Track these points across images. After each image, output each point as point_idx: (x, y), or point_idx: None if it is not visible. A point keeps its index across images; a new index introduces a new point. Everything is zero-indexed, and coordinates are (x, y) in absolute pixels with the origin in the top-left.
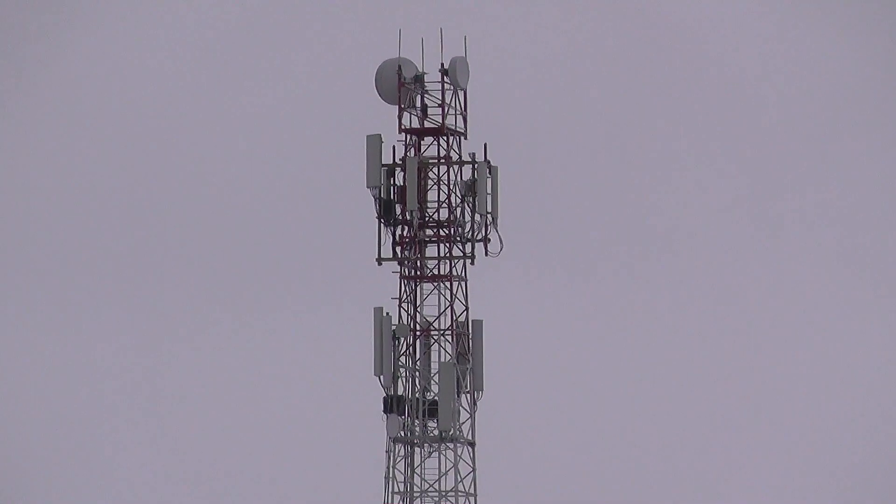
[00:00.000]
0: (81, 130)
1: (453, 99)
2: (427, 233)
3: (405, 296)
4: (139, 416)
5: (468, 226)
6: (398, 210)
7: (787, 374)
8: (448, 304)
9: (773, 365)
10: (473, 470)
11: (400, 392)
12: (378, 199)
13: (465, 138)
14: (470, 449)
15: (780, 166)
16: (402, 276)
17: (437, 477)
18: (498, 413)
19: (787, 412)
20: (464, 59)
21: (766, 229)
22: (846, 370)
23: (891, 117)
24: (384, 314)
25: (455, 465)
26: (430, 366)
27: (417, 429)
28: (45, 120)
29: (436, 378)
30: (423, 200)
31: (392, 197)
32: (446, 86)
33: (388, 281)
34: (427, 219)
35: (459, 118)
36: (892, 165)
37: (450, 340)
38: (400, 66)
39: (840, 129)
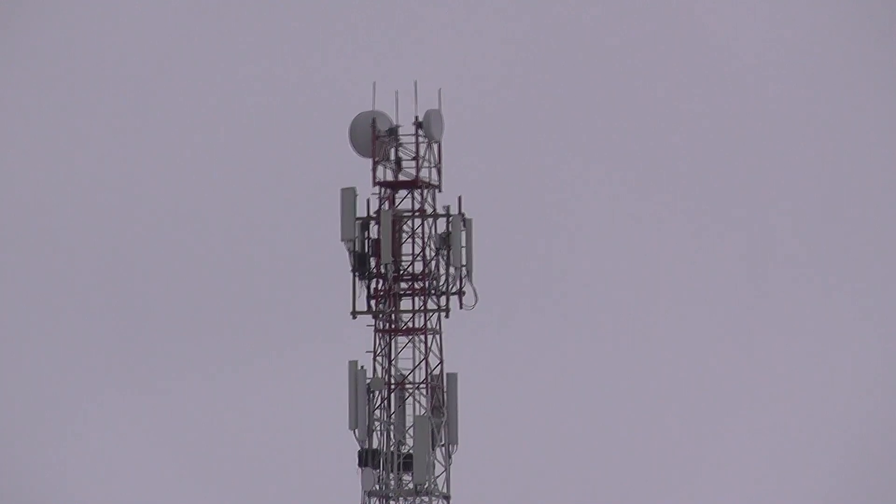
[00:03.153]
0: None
1: (427, 152)
2: (401, 286)
3: (380, 349)
4: (109, 471)
5: (443, 279)
6: (373, 263)
7: (762, 431)
8: (423, 357)
9: (754, 419)
10: None
11: (375, 445)
12: (352, 252)
13: (440, 191)
14: (445, 502)
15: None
16: (376, 330)
17: None
18: (473, 466)
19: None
20: (438, 112)
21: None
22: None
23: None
24: (359, 367)
25: None
26: (404, 419)
27: (392, 482)
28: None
29: (411, 431)
30: (397, 253)
31: (366, 250)
32: (420, 138)
33: (362, 334)
34: (401, 272)
35: (434, 171)
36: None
37: (424, 394)
38: (374, 119)
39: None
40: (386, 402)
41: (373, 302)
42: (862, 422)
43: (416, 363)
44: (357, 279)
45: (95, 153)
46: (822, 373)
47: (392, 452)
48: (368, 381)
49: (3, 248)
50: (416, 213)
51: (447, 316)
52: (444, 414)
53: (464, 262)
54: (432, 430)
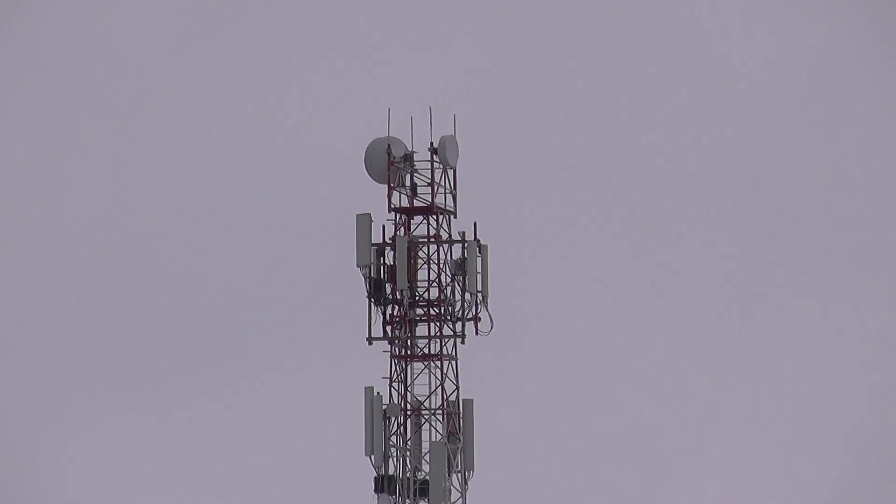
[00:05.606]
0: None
1: (443, 177)
2: (417, 312)
3: (396, 375)
4: (124, 494)
5: (458, 305)
6: (388, 289)
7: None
8: (439, 383)
9: (757, 436)
10: None
11: (391, 471)
12: (368, 278)
13: (455, 217)
14: None
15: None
16: (392, 356)
17: None
18: (489, 492)
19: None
20: (453, 138)
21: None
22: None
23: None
24: (375, 393)
25: None
26: (421, 445)
27: None
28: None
29: (427, 457)
30: (413, 279)
31: (382, 276)
32: (436, 164)
33: (378, 360)
34: (417, 298)
35: (449, 197)
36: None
37: (441, 420)
38: (389, 145)
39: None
40: (402, 428)
41: (388, 328)
42: (854, 430)
43: (432, 389)
44: (373, 305)
45: (107, 175)
46: (817, 386)
47: (408, 478)
48: (385, 407)
49: (4, 257)
50: (432, 239)
51: (463, 342)
52: (460, 440)
53: (479, 288)
54: (448, 456)
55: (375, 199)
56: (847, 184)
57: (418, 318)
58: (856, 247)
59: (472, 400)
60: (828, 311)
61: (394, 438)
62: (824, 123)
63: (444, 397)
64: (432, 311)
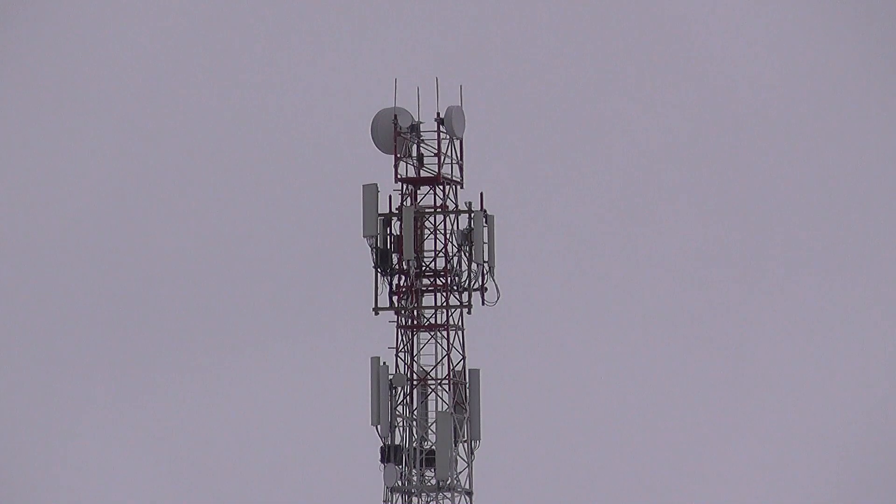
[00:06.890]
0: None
1: (449, 148)
2: (424, 282)
3: (402, 345)
4: (131, 464)
5: (465, 275)
6: (395, 259)
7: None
8: (445, 353)
9: (765, 430)
10: None
11: (397, 441)
12: (375, 248)
13: (462, 187)
14: (468, 498)
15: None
16: (398, 326)
17: None
18: (495, 462)
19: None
20: (459, 108)
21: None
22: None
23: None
24: (381, 363)
25: None
26: (427, 415)
27: (415, 478)
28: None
29: (433, 427)
30: (419, 250)
31: (389, 246)
32: (442, 135)
33: (385, 330)
34: (424, 268)
35: (455, 167)
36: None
37: (447, 390)
38: (396, 116)
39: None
40: (408, 398)
41: (395, 298)
42: (854, 425)
43: (439, 359)
44: (379, 275)
45: (108, 148)
46: (817, 376)
47: (414, 448)
48: (391, 377)
49: None
50: (438, 210)
51: (469, 312)
52: (466, 410)
53: (486, 259)
54: (455, 426)
55: (382, 170)
56: (844, 180)
57: (425, 288)
58: (853, 245)
59: (479, 370)
60: (825, 310)
61: (400, 408)
62: (822, 121)
63: (451, 367)
64: (439, 282)
